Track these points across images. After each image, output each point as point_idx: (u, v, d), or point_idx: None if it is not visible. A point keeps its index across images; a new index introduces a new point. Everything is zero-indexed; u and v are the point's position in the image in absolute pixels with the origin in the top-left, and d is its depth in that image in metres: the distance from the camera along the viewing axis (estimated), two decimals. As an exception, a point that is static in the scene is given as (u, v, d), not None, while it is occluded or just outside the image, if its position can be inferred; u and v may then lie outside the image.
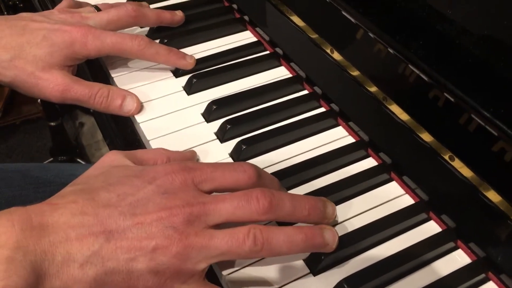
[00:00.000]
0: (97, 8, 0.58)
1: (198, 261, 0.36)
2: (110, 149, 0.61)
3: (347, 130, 0.52)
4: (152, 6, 0.66)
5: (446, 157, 0.43)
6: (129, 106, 0.52)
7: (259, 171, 0.41)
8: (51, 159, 1.47)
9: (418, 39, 0.41)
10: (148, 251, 0.35)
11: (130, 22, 0.57)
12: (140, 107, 0.52)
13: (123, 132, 0.55)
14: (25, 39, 0.51)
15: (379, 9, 0.45)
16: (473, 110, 0.36)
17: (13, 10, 1.24)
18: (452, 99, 0.38)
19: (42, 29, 0.51)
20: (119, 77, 0.57)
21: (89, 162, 1.51)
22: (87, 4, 0.60)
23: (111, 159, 0.42)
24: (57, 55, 0.51)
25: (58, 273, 0.34)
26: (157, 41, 0.59)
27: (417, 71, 0.40)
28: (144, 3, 0.64)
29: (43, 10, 0.80)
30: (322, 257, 0.40)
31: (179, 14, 0.61)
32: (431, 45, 0.40)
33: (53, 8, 0.69)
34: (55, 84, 0.50)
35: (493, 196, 0.41)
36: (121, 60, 0.58)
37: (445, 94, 0.39)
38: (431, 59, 0.39)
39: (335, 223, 0.44)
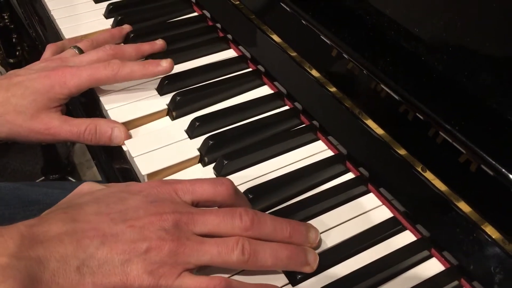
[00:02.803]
0: (78, 48, 0.60)
1: (188, 262, 0.38)
2: (98, 170, 0.62)
3: (326, 144, 0.54)
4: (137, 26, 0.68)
5: (419, 169, 0.44)
6: (117, 138, 0.53)
7: (234, 186, 0.43)
8: (43, 177, 1.48)
9: (386, 57, 0.43)
10: (141, 252, 0.37)
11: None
12: (128, 136, 0.53)
13: (108, 150, 0.56)
14: (10, 93, 0.53)
15: (350, 29, 0.48)
16: (437, 124, 0.38)
17: (5, 30, 1.26)
18: (419, 114, 0.40)
19: (24, 80, 0.54)
20: (105, 97, 0.58)
21: (80, 180, 1.51)
22: (69, 46, 0.61)
23: (89, 186, 0.44)
24: (40, 100, 0.53)
25: (54, 278, 0.35)
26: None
27: (386, 88, 0.42)
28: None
29: (31, 30, 0.81)
30: (301, 267, 0.42)
31: (158, 43, 0.62)
32: (398, 62, 0.42)
33: (41, 29, 0.71)
34: (45, 129, 0.53)
35: (464, 206, 0.42)
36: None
37: (412, 109, 0.41)
38: (398, 76, 0.41)
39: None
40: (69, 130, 0.53)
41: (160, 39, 0.62)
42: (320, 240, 0.45)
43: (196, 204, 0.42)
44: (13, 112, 0.52)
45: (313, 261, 0.42)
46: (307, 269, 0.42)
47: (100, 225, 0.38)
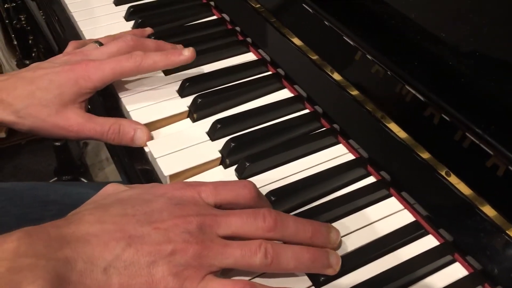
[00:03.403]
0: (100, 43, 0.60)
1: (213, 264, 0.38)
2: (116, 167, 0.62)
3: (347, 148, 0.54)
4: (157, 28, 0.68)
5: (443, 173, 0.44)
6: (139, 139, 0.53)
7: (256, 189, 0.43)
8: (55, 178, 1.49)
9: (413, 59, 0.43)
10: (167, 254, 0.37)
11: (130, 52, 0.58)
12: (150, 137, 0.54)
13: (129, 150, 0.56)
14: (34, 86, 0.53)
15: (376, 31, 0.48)
16: (465, 127, 0.38)
17: (22, 32, 1.27)
18: (446, 117, 0.40)
19: (48, 73, 0.53)
20: (127, 97, 0.58)
21: (93, 181, 1.52)
22: (91, 41, 0.62)
23: (114, 187, 0.44)
24: (66, 94, 0.53)
25: (81, 278, 0.35)
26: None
27: (413, 90, 0.42)
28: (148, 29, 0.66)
29: (51, 32, 0.82)
30: (324, 270, 0.42)
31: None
32: (425, 65, 0.42)
33: (61, 30, 0.72)
34: (69, 125, 0.53)
35: (489, 210, 0.42)
36: (129, 81, 0.60)
37: (439, 112, 0.41)
38: (425, 78, 0.41)
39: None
40: (93, 128, 0.53)
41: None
42: (341, 242, 0.45)
43: (219, 207, 0.43)
44: (38, 105, 0.52)
45: (336, 263, 0.42)
46: (330, 272, 0.42)
47: (126, 226, 0.38)
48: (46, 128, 0.53)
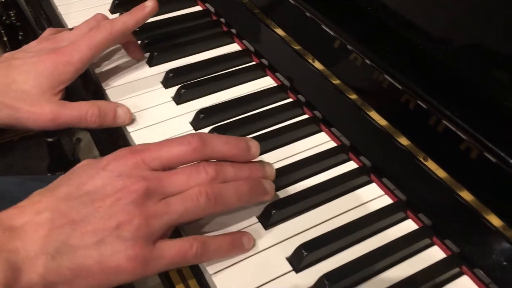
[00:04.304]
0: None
1: (160, 227, 0.40)
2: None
3: (329, 136, 0.54)
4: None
5: (421, 158, 0.45)
6: (121, 118, 0.54)
7: (204, 139, 0.43)
8: (49, 174, 1.49)
9: (387, 47, 0.43)
10: (112, 229, 0.38)
11: None
12: (131, 116, 0.54)
13: (115, 143, 0.57)
14: (10, 78, 0.52)
15: (353, 21, 0.48)
16: (438, 112, 0.39)
17: (11, 28, 1.27)
18: (421, 103, 0.41)
19: (23, 64, 0.53)
20: (111, 89, 0.59)
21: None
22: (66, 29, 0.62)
23: (81, 164, 0.45)
24: (44, 83, 0.52)
25: (33, 267, 0.36)
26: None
27: (389, 78, 0.43)
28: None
29: (38, 27, 0.82)
30: (304, 255, 0.42)
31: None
32: (399, 52, 0.43)
33: (48, 26, 0.72)
34: (44, 113, 0.52)
35: (466, 195, 0.43)
36: (113, 74, 0.60)
37: (414, 98, 0.42)
38: (399, 66, 0.42)
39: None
40: (70, 114, 0.52)
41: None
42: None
43: (168, 168, 0.43)
44: (14, 97, 0.51)
45: (271, 189, 0.45)
46: (268, 197, 0.45)
47: (70, 211, 0.39)
48: (21, 121, 0.52)
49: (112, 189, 0.40)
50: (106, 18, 0.58)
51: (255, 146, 0.45)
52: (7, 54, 0.56)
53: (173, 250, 0.40)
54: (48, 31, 0.60)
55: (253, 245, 0.44)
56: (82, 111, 0.53)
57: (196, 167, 0.42)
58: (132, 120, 0.55)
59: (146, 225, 0.39)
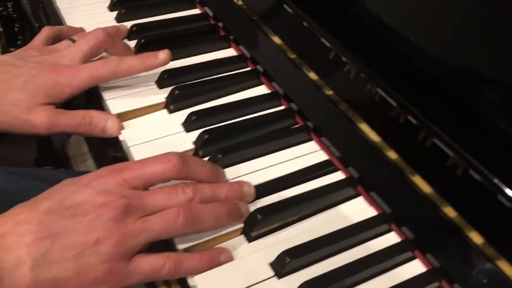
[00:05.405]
0: (72, 40, 0.60)
1: (137, 244, 0.41)
2: (96, 162, 0.62)
3: (319, 145, 0.55)
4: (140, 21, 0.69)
5: (408, 173, 0.46)
6: (110, 130, 0.54)
7: (184, 158, 0.45)
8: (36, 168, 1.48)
9: (380, 60, 0.44)
10: (91, 244, 0.39)
11: (102, 48, 0.59)
12: (121, 127, 0.54)
13: (106, 142, 0.57)
14: (7, 85, 0.53)
15: (350, 33, 0.49)
16: (427, 127, 0.39)
17: (8, 19, 1.27)
18: (411, 118, 0.41)
19: (23, 74, 0.53)
20: (105, 86, 0.59)
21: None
22: (67, 33, 0.62)
23: (64, 181, 0.45)
24: (41, 96, 0.53)
25: (11, 277, 0.37)
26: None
27: (380, 91, 0.43)
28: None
29: (36, 20, 0.82)
30: (287, 261, 0.43)
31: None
32: (391, 66, 0.44)
33: (46, 19, 0.72)
34: (40, 122, 0.53)
35: (450, 211, 0.44)
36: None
37: (405, 113, 0.42)
38: (391, 79, 0.42)
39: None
40: (66, 123, 0.53)
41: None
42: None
43: (149, 185, 0.44)
44: (9, 104, 0.52)
45: (246, 212, 0.46)
46: (242, 219, 0.46)
47: (50, 224, 0.39)
48: (17, 127, 0.53)
49: (93, 205, 0.41)
50: (106, 36, 0.58)
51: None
52: (5, 58, 0.57)
53: (147, 267, 0.41)
54: (45, 31, 0.61)
55: (231, 259, 0.44)
56: (77, 120, 0.54)
57: (174, 188, 0.44)
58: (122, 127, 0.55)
59: (124, 242, 0.40)
